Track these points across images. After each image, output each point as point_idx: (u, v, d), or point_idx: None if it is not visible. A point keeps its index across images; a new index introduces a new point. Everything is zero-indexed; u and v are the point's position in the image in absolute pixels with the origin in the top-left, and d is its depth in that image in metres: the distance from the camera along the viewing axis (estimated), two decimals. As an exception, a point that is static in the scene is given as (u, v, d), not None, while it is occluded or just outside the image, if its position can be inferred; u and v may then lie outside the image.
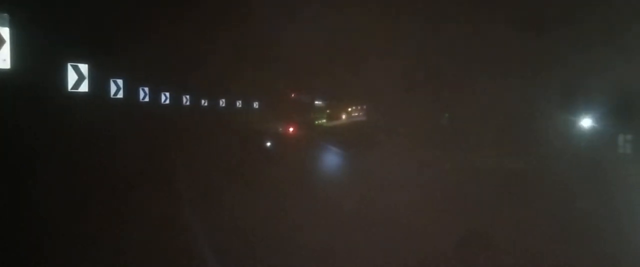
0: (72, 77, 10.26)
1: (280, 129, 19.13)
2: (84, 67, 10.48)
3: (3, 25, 6.96)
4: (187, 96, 19.45)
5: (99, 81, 11.43)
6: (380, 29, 16.65)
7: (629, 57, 11.44)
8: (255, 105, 21.35)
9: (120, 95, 12.56)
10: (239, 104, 22.46)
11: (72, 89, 10.32)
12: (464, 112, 16.62)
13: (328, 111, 20.42)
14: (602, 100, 12.12)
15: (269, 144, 17.68)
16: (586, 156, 11.44)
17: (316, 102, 20.49)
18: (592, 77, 12.05)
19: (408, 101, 18.55)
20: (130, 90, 13.71)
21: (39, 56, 9.36)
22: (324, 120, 19.41)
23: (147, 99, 14.97)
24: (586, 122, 12.63)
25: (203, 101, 21.54)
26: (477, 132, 15.13)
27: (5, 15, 7.00)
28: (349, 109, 21.39)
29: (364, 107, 22.65)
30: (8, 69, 6.98)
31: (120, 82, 12.52)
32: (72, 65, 10.34)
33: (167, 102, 17.33)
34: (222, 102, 22.07)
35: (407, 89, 18.13)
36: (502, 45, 14.44)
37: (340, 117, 19.79)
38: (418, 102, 18.22)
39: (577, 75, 12.50)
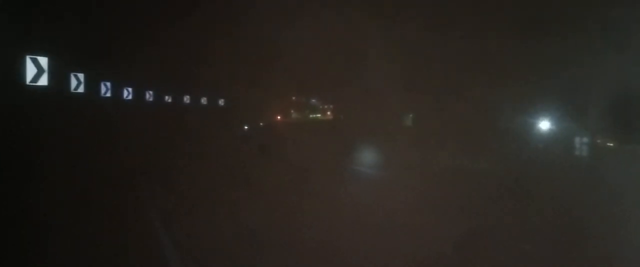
0: (31, 71, 9.88)
1: (279, 118, 24.45)
2: (43, 60, 10.10)
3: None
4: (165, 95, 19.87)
5: (59, 75, 11.03)
6: (347, 33, 16.91)
7: (587, 60, 11.87)
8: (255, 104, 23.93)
9: (81, 89, 12.17)
10: (222, 102, 23.74)
11: (30, 82, 9.94)
12: (429, 113, 16.91)
13: (319, 108, 26.08)
14: (560, 102, 12.55)
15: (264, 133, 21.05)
16: (544, 158, 11.82)
17: (310, 102, 25.84)
18: (553, 80, 12.45)
19: (373, 101, 18.79)
20: (92, 86, 13.28)
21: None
22: (319, 115, 24.82)
23: (108, 94, 14.53)
24: (545, 125, 13.04)
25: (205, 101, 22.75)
26: (441, 133, 15.42)
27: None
28: (329, 107, 26.04)
29: (332, 106, 25.16)
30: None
31: (81, 76, 12.13)
32: (30, 58, 9.95)
33: (130, 97, 16.91)
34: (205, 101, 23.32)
35: (374, 89, 18.35)
36: (467, 49, 14.75)
37: (326, 113, 25.11)
38: (383, 103, 18.45)
39: (538, 78, 12.90)
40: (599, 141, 12.08)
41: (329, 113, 25.78)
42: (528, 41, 13.11)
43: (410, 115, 18.92)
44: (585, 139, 11.80)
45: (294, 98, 25.76)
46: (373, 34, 16.70)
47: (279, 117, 24.74)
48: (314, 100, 25.82)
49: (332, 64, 19.81)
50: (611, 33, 11.59)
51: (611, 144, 12.68)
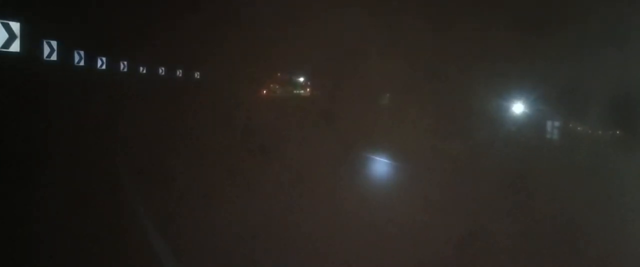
0: (1, 36, 9.51)
1: (264, 93, 26.13)
2: (15, 25, 9.73)
3: None
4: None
5: (32, 41, 10.65)
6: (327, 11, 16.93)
7: (562, 46, 12.14)
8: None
9: (54, 57, 11.78)
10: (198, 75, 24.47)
11: (1, 48, 9.58)
12: (405, 94, 17.07)
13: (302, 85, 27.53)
14: (534, 87, 12.84)
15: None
16: (516, 141, 12.11)
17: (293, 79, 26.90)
18: (527, 65, 12.69)
19: (351, 79, 18.87)
20: (67, 53, 12.89)
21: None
22: (301, 91, 26.57)
23: (82, 63, 14.10)
24: (518, 108, 13.34)
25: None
26: (415, 114, 15.60)
27: None
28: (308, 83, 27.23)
29: (309, 83, 25.93)
30: None
31: (54, 43, 11.73)
32: (1, 23, 9.57)
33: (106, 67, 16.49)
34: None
35: (350, 67, 18.40)
36: (444, 32, 14.87)
37: (306, 90, 27.34)
38: (361, 82, 18.53)
39: (513, 62, 13.13)
40: (570, 125, 12.48)
41: (308, 90, 26.69)
42: (504, 28, 13.30)
43: (387, 95, 19.06)
44: (556, 123, 12.17)
45: (278, 74, 26.54)
46: (351, 16, 16.71)
47: (264, 92, 26.17)
48: (296, 78, 26.79)
49: (312, 42, 19.85)
50: (583, 21, 11.87)
51: (580, 129, 13.13)
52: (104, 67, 16.25)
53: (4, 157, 7.47)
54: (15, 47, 9.73)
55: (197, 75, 26.05)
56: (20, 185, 6.54)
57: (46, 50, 11.71)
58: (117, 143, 10.42)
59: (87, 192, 6.58)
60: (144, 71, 20.28)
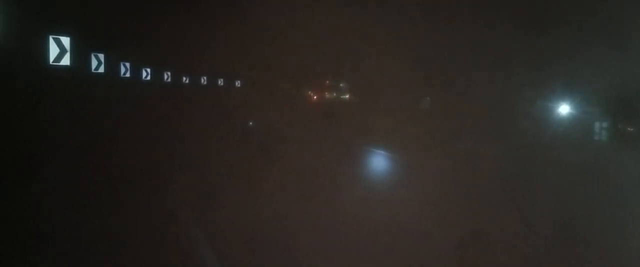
0: (53, 50, 10.00)
1: (315, 98, 28.75)
2: (66, 40, 10.22)
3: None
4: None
5: (81, 54, 11.15)
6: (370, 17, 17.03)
7: (607, 47, 11.76)
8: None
9: (101, 70, 12.28)
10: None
11: (53, 62, 10.08)
12: (446, 97, 16.87)
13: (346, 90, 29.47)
14: (580, 88, 12.46)
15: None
16: (564, 143, 11.77)
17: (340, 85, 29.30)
18: (572, 66, 12.35)
19: (388, 82, 18.84)
20: (113, 65, 13.42)
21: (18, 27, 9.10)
22: (346, 96, 28.56)
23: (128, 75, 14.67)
24: (564, 109, 12.97)
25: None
26: (458, 117, 15.38)
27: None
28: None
29: (349, 88, 26.83)
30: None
31: (102, 56, 12.22)
32: (53, 38, 10.07)
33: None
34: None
35: (389, 71, 18.35)
36: (486, 34, 14.64)
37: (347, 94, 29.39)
38: (399, 84, 18.46)
39: (558, 64, 12.79)
40: (619, 126, 12.01)
41: (348, 95, 28.38)
42: (548, 27, 12.98)
43: (427, 98, 18.88)
44: (604, 124, 11.75)
45: (327, 82, 28.84)
46: (387, 24, 16.77)
47: (315, 98, 29.06)
48: (340, 84, 28.90)
49: (349, 48, 20.05)
50: (627, 22, 11.46)
51: (631, 129, 12.61)
52: (148, 78, 16.84)
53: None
54: (65, 60, 10.21)
55: (237, 84, 26.65)
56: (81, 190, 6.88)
57: (94, 62, 12.22)
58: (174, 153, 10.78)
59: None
60: (187, 81, 20.90)
